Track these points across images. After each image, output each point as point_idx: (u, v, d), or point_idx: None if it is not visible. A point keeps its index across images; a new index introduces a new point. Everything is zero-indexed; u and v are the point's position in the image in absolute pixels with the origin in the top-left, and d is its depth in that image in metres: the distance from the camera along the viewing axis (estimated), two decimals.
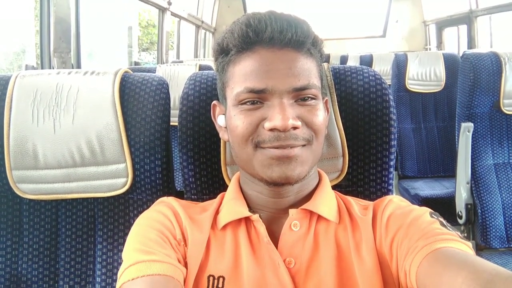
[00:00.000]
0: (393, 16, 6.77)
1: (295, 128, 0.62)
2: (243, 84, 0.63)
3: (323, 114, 0.67)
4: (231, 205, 0.71)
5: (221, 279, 0.64)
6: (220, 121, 0.73)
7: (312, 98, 0.65)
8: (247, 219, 0.69)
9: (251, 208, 0.70)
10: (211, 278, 0.64)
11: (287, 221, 0.67)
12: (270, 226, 0.68)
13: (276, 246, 0.66)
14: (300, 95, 0.64)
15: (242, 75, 0.64)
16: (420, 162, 2.58)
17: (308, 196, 0.71)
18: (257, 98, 0.63)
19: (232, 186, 0.74)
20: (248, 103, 0.64)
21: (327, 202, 0.70)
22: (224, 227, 0.69)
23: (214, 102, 0.76)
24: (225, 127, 0.71)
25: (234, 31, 0.65)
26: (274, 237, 0.67)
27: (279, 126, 0.60)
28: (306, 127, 0.64)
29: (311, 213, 0.68)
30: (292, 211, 0.67)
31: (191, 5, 4.96)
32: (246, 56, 0.64)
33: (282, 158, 0.62)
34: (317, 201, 0.69)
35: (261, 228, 0.66)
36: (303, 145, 0.64)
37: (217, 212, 0.72)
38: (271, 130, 0.62)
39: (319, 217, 0.68)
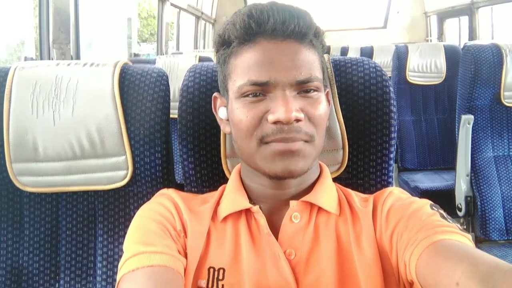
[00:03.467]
0: (394, 7, 6.73)
1: (298, 120, 0.62)
2: (246, 76, 0.63)
3: (325, 107, 0.67)
4: (231, 197, 0.71)
5: (221, 271, 0.64)
6: (221, 113, 0.73)
7: (315, 91, 0.64)
8: (247, 211, 0.69)
9: (251, 200, 0.70)
10: (211, 270, 0.65)
11: (288, 212, 0.67)
12: (270, 218, 0.68)
13: (277, 238, 0.66)
14: (303, 87, 0.63)
15: (245, 67, 0.63)
16: (420, 155, 2.58)
17: (309, 188, 0.71)
18: (259, 91, 0.63)
19: (232, 178, 0.74)
20: (250, 96, 0.63)
21: (327, 194, 0.70)
22: (225, 219, 0.69)
23: (215, 94, 0.75)
24: (227, 120, 0.71)
25: (236, 23, 0.64)
26: (275, 229, 0.67)
27: (283, 118, 0.60)
28: (309, 121, 0.64)
29: (312, 205, 0.68)
30: (292, 203, 0.68)
31: None
32: (248, 48, 0.64)
33: (285, 152, 0.62)
34: (317, 193, 0.69)
35: (262, 219, 0.67)
36: (306, 141, 0.63)
37: (217, 204, 0.72)
38: (275, 123, 0.61)
39: (320, 209, 0.68)
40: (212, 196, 0.74)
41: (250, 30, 0.63)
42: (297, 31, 0.63)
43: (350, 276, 0.63)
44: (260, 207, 0.68)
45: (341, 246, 0.66)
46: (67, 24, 2.07)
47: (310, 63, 0.64)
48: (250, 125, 0.63)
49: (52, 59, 2.02)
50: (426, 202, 0.65)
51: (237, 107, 0.65)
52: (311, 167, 0.67)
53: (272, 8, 0.62)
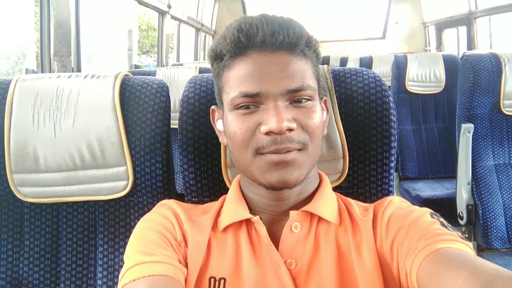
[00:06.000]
0: (392, 18, 6.78)
1: (290, 130, 0.62)
2: (238, 89, 0.64)
3: (320, 115, 0.67)
4: (232, 207, 0.71)
5: (222, 281, 0.64)
6: (219, 125, 0.74)
7: (308, 100, 0.65)
8: (248, 221, 0.69)
9: (252, 210, 0.70)
10: (212, 280, 0.64)
11: (288, 223, 0.67)
12: (271, 228, 0.68)
13: (277, 248, 0.66)
14: (295, 97, 0.63)
15: (236, 80, 0.64)
16: (421, 163, 2.58)
17: (309, 198, 0.71)
18: (252, 102, 0.63)
19: (233, 188, 0.74)
20: (243, 108, 0.64)
21: (327, 203, 0.70)
22: (225, 229, 0.69)
23: (213, 107, 0.76)
24: (224, 132, 0.71)
25: (227, 37, 0.65)
26: (275, 239, 0.67)
27: (274, 129, 0.60)
28: (302, 130, 0.64)
29: (312, 215, 0.68)
30: (292, 213, 0.68)
31: (191, 8, 4.97)
32: (239, 61, 0.64)
33: (279, 163, 0.62)
34: (317, 203, 0.69)
35: (262, 229, 0.67)
36: (299, 149, 0.64)
37: (218, 215, 0.72)
38: (267, 133, 0.62)
39: (320, 218, 0.68)
40: (213, 206, 0.74)
41: (240, 43, 0.64)
42: (287, 41, 0.63)
43: (350, 285, 0.63)
44: (260, 218, 0.68)
45: (341, 256, 0.65)
46: (68, 37, 2.08)
47: (302, 72, 0.64)
48: (244, 137, 0.64)
49: (53, 72, 2.03)
50: (426, 211, 0.64)
51: (231, 120, 0.65)
52: (307, 176, 0.67)
53: (262, 20, 0.63)
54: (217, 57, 0.68)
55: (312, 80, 0.66)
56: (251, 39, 0.63)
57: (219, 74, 0.69)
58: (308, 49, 0.67)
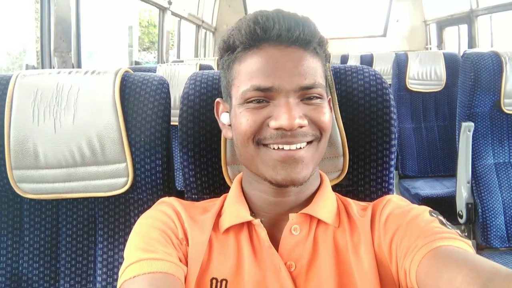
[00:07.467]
0: (393, 16, 6.77)
1: (301, 127, 0.62)
2: (249, 82, 0.63)
3: (329, 113, 0.67)
4: (233, 209, 0.71)
5: (224, 282, 0.64)
6: (223, 118, 0.73)
7: (318, 97, 0.64)
8: (249, 223, 0.69)
9: (252, 212, 0.70)
10: (214, 281, 0.65)
11: (287, 225, 0.67)
12: (271, 230, 0.68)
13: (277, 249, 0.66)
14: (306, 94, 0.63)
15: (248, 73, 0.63)
16: (421, 162, 2.58)
17: (309, 199, 0.71)
18: (263, 97, 0.63)
19: (234, 188, 0.74)
20: (254, 102, 0.63)
21: (327, 205, 0.70)
22: (227, 230, 0.69)
23: (218, 99, 0.75)
24: (229, 125, 0.71)
25: (241, 28, 0.64)
26: (275, 240, 0.67)
27: (286, 125, 0.60)
28: (313, 125, 0.64)
29: (311, 217, 0.68)
30: (292, 216, 0.68)
31: (191, 5, 4.96)
32: (252, 54, 0.64)
33: (287, 160, 0.62)
34: (317, 204, 0.69)
35: (262, 232, 0.67)
36: (311, 142, 0.64)
37: (219, 215, 0.72)
38: (277, 129, 0.62)
39: (319, 221, 0.68)
40: (213, 205, 0.74)
41: (255, 35, 0.63)
42: (302, 38, 0.63)
43: (349, 286, 0.63)
44: (261, 220, 0.68)
45: (339, 257, 0.66)
46: (69, 32, 2.08)
47: (314, 70, 0.64)
48: (250, 129, 0.63)
49: (54, 68, 2.03)
50: (425, 209, 0.64)
51: (240, 112, 0.65)
52: (312, 173, 0.67)
53: (278, 15, 0.63)
54: (228, 48, 0.67)
55: (322, 79, 0.66)
56: (267, 32, 0.62)
57: (229, 66, 0.68)
58: (320, 47, 0.67)
